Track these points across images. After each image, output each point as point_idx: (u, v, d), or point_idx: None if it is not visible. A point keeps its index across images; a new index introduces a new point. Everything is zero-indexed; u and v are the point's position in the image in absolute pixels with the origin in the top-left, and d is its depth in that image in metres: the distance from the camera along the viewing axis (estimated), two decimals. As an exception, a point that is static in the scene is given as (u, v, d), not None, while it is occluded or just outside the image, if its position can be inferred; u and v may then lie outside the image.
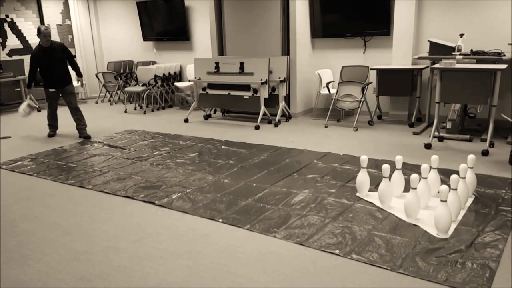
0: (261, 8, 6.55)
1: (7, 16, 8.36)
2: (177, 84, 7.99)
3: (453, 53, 5.18)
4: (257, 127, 6.10)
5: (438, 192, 3.15)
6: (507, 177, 3.81)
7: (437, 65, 4.82)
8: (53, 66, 5.70)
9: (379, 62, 6.35)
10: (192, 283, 2.39)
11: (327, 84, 6.36)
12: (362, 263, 2.51)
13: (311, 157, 4.60)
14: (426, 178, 3.13)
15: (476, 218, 3.02)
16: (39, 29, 5.50)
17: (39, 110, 8.19)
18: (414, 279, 2.33)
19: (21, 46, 8.64)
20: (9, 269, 2.62)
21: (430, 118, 5.86)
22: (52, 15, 9.03)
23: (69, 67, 5.90)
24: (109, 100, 9.09)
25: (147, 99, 8.17)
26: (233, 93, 6.41)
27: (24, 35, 8.65)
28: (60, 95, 5.91)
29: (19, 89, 8.22)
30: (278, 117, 6.29)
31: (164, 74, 8.07)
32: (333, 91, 6.16)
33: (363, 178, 3.43)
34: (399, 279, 2.34)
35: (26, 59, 8.56)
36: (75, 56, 8.94)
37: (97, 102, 9.09)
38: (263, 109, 6.20)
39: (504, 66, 4.59)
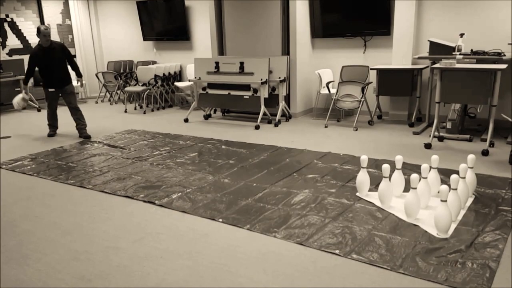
0: (261, 8, 6.55)
1: (7, 15, 8.36)
2: (177, 84, 7.99)
3: (453, 53, 5.18)
4: (257, 127, 6.10)
5: (438, 192, 3.15)
6: (507, 177, 3.81)
7: (437, 65, 4.82)
8: (52, 66, 5.70)
9: (379, 62, 6.35)
10: (192, 283, 2.39)
11: (327, 84, 6.36)
12: (362, 263, 2.51)
13: (311, 157, 4.60)
14: (426, 178, 3.13)
15: (476, 218, 3.02)
16: (38, 29, 5.50)
17: (39, 110, 8.19)
18: (414, 279, 2.33)
19: (21, 46, 8.64)
20: (9, 269, 2.62)
21: (430, 118, 5.85)
22: (52, 15, 9.03)
23: (69, 67, 5.90)
24: (109, 100, 9.09)
25: (147, 99, 8.17)
26: (233, 93, 6.41)
27: (24, 35, 8.65)
28: (60, 95, 5.91)
29: (19, 89, 8.21)
30: (278, 117, 6.29)
31: (164, 74, 8.07)
32: (333, 91, 6.16)
33: (363, 178, 3.43)
34: (399, 279, 2.34)
35: (26, 58, 8.52)
36: (74, 56, 8.98)
37: (97, 102, 9.09)
38: (263, 109, 6.20)
39: (504, 66, 4.59)
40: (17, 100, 6.07)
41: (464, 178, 3.10)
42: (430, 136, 4.95)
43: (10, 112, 8.17)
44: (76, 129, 5.98)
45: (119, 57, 9.45)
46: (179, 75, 8.52)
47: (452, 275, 2.34)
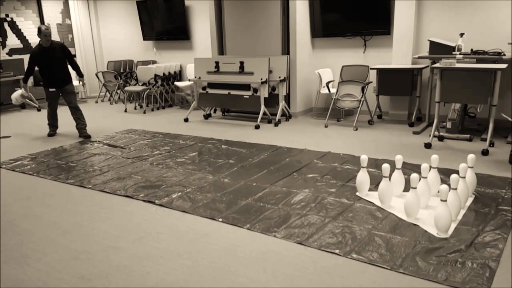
0: (261, 8, 6.55)
1: (7, 15, 8.35)
2: (177, 83, 7.99)
3: (453, 53, 5.18)
4: (257, 127, 6.10)
5: (438, 192, 3.15)
6: (507, 176, 3.81)
7: (437, 65, 4.82)
8: (53, 65, 5.70)
9: (379, 61, 6.35)
10: (192, 282, 2.39)
11: (327, 83, 6.36)
12: (362, 262, 2.51)
13: (311, 156, 4.60)
14: (426, 177, 3.13)
15: (476, 217, 3.02)
16: (39, 29, 5.50)
17: (39, 110, 8.19)
18: (414, 279, 2.33)
19: (21, 46, 8.64)
20: (9, 268, 2.62)
21: (430, 117, 5.85)
22: (52, 15, 9.02)
23: (69, 66, 5.91)
24: (109, 100, 9.09)
25: (147, 98, 8.17)
26: (233, 92, 6.41)
27: (24, 35, 8.65)
28: (60, 94, 5.91)
29: (18, 89, 8.20)
30: (278, 117, 6.29)
31: (164, 74, 8.07)
32: (333, 90, 6.16)
33: (363, 177, 3.43)
34: (399, 279, 2.34)
35: (26, 58, 8.53)
36: (74, 56, 8.96)
37: (97, 102, 9.09)
38: (263, 108, 6.20)
39: (504, 66, 4.59)
40: (15, 95, 6.19)
41: (464, 177, 3.10)
42: (430, 135, 4.95)
43: (10, 112, 8.17)
44: (76, 129, 5.98)
45: (119, 57, 9.45)
46: (179, 75, 8.52)
47: (452, 275, 2.34)
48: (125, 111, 7.84)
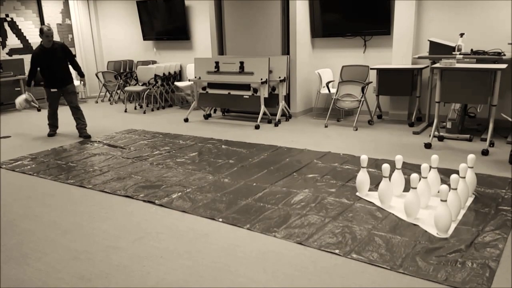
0: (261, 8, 6.55)
1: (7, 15, 8.35)
2: (177, 83, 7.99)
3: (453, 53, 5.18)
4: (257, 127, 6.10)
5: (438, 192, 3.15)
6: (507, 176, 3.81)
7: (437, 65, 4.82)
8: (54, 66, 5.71)
9: (379, 61, 6.35)
10: (192, 282, 2.39)
11: (327, 83, 6.36)
12: (362, 262, 2.51)
13: (311, 156, 4.60)
14: (426, 177, 3.13)
15: (476, 217, 3.02)
16: (42, 30, 5.51)
17: (39, 110, 8.19)
18: (414, 279, 2.33)
19: (21, 46, 8.63)
20: (9, 268, 2.62)
21: (430, 117, 5.85)
22: (52, 15, 9.02)
23: (70, 66, 5.91)
24: (109, 100, 9.09)
25: (147, 98, 8.17)
26: (233, 92, 6.41)
27: (24, 35, 8.65)
28: (61, 94, 5.91)
29: (19, 89, 8.21)
30: (278, 117, 6.29)
31: (164, 74, 8.07)
32: (333, 90, 6.16)
33: (363, 177, 3.43)
34: (399, 279, 2.34)
35: (26, 58, 8.55)
36: (75, 56, 8.96)
37: (97, 102, 9.09)
38: (263, 108, 6.20)
39: (504, 66, 4.59)
40: (19, 100, 6.07)
41: (464, 177, 3.10)
42: (430, 135, 4.95)
43: (10, 112, 8.17)
44: (76, 129, 5.98)
45: (119, 57, 9.45)
46: (179, 75, 8.52)
47: (452, 275, 2.34)
48: (125, 111, 7.84)
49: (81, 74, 5.99)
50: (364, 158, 3.37)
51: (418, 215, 3.04)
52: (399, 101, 6.18)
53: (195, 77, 6.72)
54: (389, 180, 3.26)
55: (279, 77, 6.29)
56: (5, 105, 8.17)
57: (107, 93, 9.26)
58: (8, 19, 8.38)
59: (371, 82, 6.13)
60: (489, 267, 2.40)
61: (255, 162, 4.48)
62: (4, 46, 8.38)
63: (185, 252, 2.72)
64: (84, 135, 5.87)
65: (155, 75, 7.83)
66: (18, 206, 3.59)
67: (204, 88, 6.67)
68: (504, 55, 5.03)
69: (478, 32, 5.53)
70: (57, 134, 6.15)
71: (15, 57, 8.49)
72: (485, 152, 4.49)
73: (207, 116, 6.95)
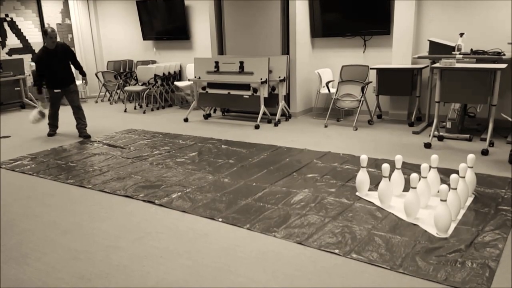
0: (261, 8, 6.55)
1: (6, 15, 8.35)
2: (177, 83, 7.99)
3: (453, 53, 5.18)
4: (257, 127, 6.10)
5: (438, 192, 3.15)
6: (507, 176, 3.81)
7: (437, 65, 4.82)
8: (57, 66, 5.72)
9: (379, 61, 6.35)
10: (191, 282, 2.39)
11: (327, 83, 6.36)
12: (362, 262, 2.51)
13: (311, 156, 4.60)
14: (426, 177, 3.13)
15: (476, 217, 3.02)
16: (45, 31, 5.54)
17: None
18: (414, 279, 2.33)
19: (20, 46, 8.62)
20: (8, 268, 2.62)
21: (430, 117, 5.85)
22: (52, 14, 9.01)
23: (72, 66, 5.93)
24: (109, 100, 9.08)
25: (147, 98, 8.17)
26: (233, 92, 6.41)
27: (24, 35, 8.64)
28: (64, 94, 5.92)
29: (18, 88, 8.21)
30: (278, 117, 6.29)
31: (164, 74, 8.07)
32: (333, 90, 6.16)
33: (363, 177, 3.43)
34: (398, 279, 2.34)
35: (26, 58, 8.56)
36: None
37: (97, 102, 9.09)
38: (263, 108, 6.20)
39: (504, 66, 4.59)
40: (33, 114, 5.84)
41: (464, 177, 3.10)
42: (430, 135, 4.95)
43: (10, 112, 8.16)
44: (76, 129, 5.98)
45: (119, 57, 9.45)
46: (179, 75, 8.52)
47: (451, 275, 2.34)
48: (125, 111, 7.83)
49: (83, 74, 6.00)
50: (364, 158, 3.37)
51: (418, 215, 3.04)
52: (399, 101, 6.18)
53: (195, 77, 6.72)
54: (389, 180, 3.26)
55: (279, 77, 6.29)
56: (5, 105, 8.17)
57: (107, 93, 9.26)
58: (8, 19, 8.37)
59: (371, 82, 6.13)
60: (489, 267, 2.40)
61: (255, 162, 4.48)
62: (3, 46, 8.37)
63: (185, 252, 2.72)
64: (84, 135, 5.87)
65: (155, 75, 7.83)
66: (18, 206, 3.59)
67: (204, 88, 6.67)
68: (504, 55, 5.03)
69: (478, 32, 5.53)
70: (57, 134, 6.15)
71: (14, 57, 8.48)
72: (485, 152, 4.49)
73: (207, 116, 6.95)
